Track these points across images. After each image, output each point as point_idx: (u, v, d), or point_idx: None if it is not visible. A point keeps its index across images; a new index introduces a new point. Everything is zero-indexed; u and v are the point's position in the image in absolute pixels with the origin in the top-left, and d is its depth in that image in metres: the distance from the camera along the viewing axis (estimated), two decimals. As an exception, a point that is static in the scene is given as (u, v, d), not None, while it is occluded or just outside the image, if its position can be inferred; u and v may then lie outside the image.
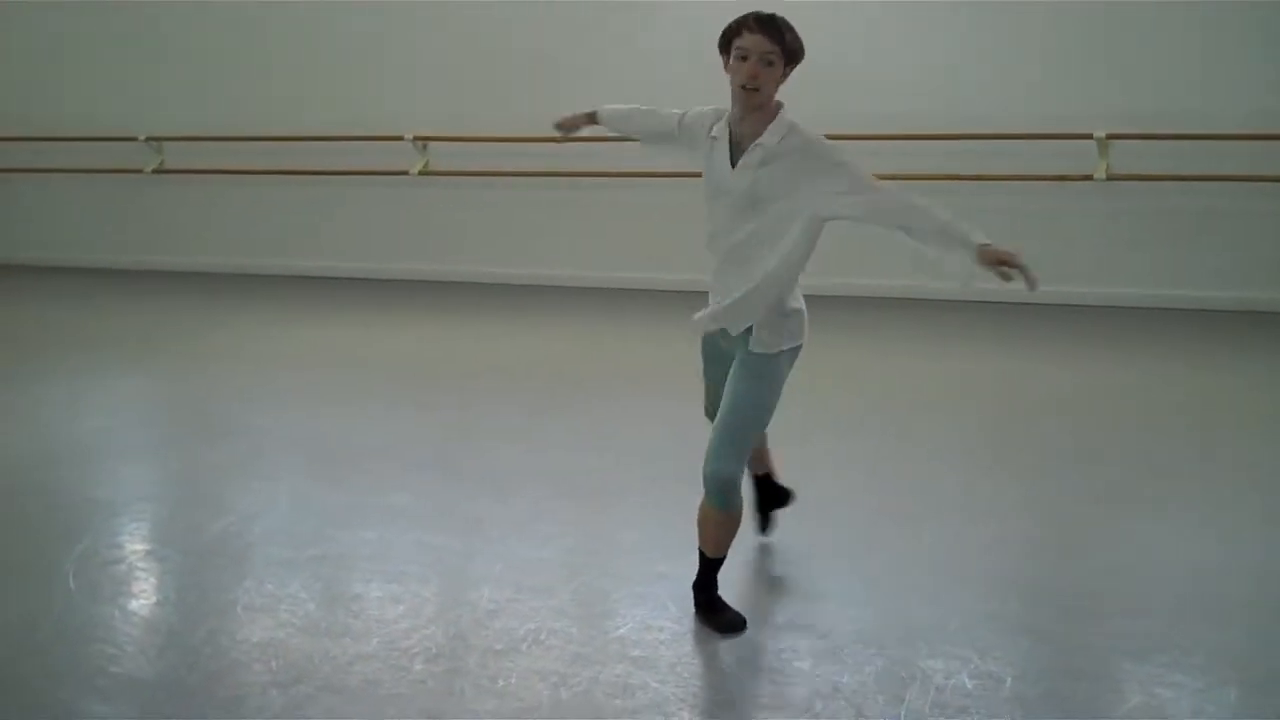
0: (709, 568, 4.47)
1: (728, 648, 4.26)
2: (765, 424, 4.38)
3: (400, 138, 11.51)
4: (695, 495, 4.37)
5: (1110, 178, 9.40)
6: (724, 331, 4.38)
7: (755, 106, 4.11)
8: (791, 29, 4.09)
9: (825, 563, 5.00)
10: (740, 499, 4.32)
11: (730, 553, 4.50)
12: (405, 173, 11.61)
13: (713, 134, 4.28)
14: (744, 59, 4.06)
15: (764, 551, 5.10)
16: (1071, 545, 5.24)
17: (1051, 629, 4.40)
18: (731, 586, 4.64)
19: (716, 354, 4.52)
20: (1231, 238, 9.49)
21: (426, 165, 11.61)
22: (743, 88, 4.08)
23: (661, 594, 4.66)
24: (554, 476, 6.11)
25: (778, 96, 4.17)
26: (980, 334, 9.14)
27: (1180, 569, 4.89)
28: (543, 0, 11.12)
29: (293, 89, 12.02)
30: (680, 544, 5.04)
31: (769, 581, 4.85)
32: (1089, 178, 9.42)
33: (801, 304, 4.35)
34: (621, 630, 4.38)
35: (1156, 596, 4.65)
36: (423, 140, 11.52)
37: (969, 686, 3.95)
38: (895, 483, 5.98)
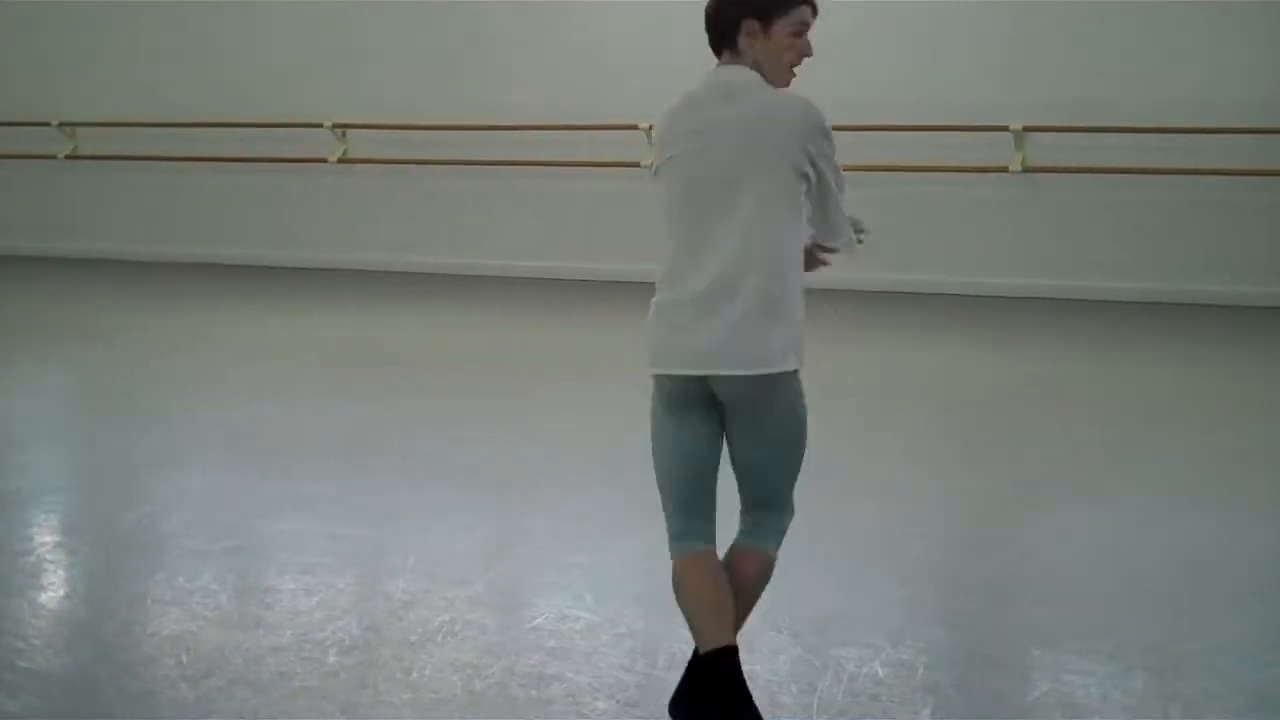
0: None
1: (643, 637, 4.27)
2: None
3: (320, 125, 11.42)
4: (614, 482, 4.35)
5: (1026, 169, 9.51)
6: None
7: (789, 81, 3.41)
8: None
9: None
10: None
11: (634, 543, 4.48)
12: (324, 160, 11.53)
13: None
14: (800, 34, 3.35)
15: (659, 540, 5.09)
16: (988, 533, 5.31)
17: (965, 616, 4.45)
18: (642, 578, 4.65)
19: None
20: (1143, 230, 9.63)
21: (345, 153, 11.53)
22: (793, 67, 3.39)
23: (578, 584, 4.67)
24: (474, 467, 6.10)
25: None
26: (899, 324, 9.22)
27: (1094, 556, 4.95)
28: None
29: (211, 74, 11.89)
30: (597, 534, 5.06)
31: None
32: (1005, 169, 9.52)
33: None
34: (537, 620, 4.38)
35: (1069, 584, 4.71)
36: (342, 128, 11.43)
37: (881, 674, 3.98)
38: (810, 471, 5.99)
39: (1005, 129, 9.43)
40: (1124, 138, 9.30)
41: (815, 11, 3.36)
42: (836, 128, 3.37)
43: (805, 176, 3.31)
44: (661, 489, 3.51)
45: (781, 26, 3.33)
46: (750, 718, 3.35)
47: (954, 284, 9.89)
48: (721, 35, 3.37)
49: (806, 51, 3.37)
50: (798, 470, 3.60)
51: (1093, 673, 3.98)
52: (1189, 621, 4.34)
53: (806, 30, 3.36)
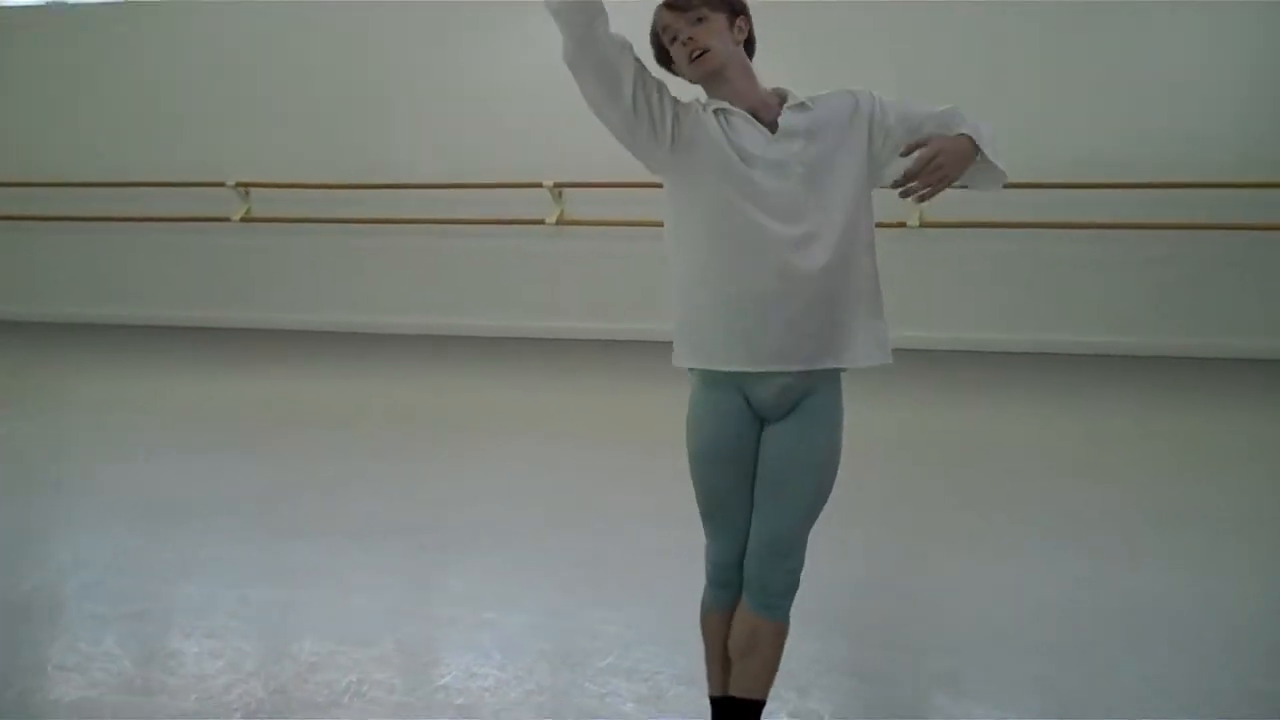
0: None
1: (551, 693, 4.26)
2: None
3: (221, 184, 11.36)
4: (522, 538, 4.35)
5: (924, 225, 9.69)
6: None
7: (712, 71, 3.29)
8: None
9: (646, 607, 5.01)
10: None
11: (542, 601, 4.50)
12: (227, 219, 11.47)
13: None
14: (674, 40, 3.29)
15: (585, 597, 5.12)
16: (894, 583, 5.36)
17: (871, 666, 4.50)
18: (550, 634, 4.67)
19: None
20: (1030, 282, 9.82)
21: (249, 212, 11.47)
22: (691, 61, 3.27)
23: (487, 641, 4.66)
24: (382, 526, 6.06)
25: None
26: None
27: (996, 603, 5.02)
28: (371, 42, 11.09)
29: (111, 133, 11.81)
30: (507, 590, 5.06)
31: (590, 626, 4.86)
32: (903, 225, 9.68)
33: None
34: (445, 679, 4.36)
35: (973, 630, 4.78)
36: (245, 187, 11.38)
37: (790, 726, 4.01)
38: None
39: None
40: (1018, 193, 9.50)
41: (680, 7, 3.27)
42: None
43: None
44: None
45: (671, 61, 3.36)
46: None
47: None
48: None
49: (688, 52, 3.27)
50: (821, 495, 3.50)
51: (992, 717, 4.03)
52: (1088, 666, 4.41)
53: (676, 37, 3.28)
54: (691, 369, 3.42)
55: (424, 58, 11.01)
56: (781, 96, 3.33)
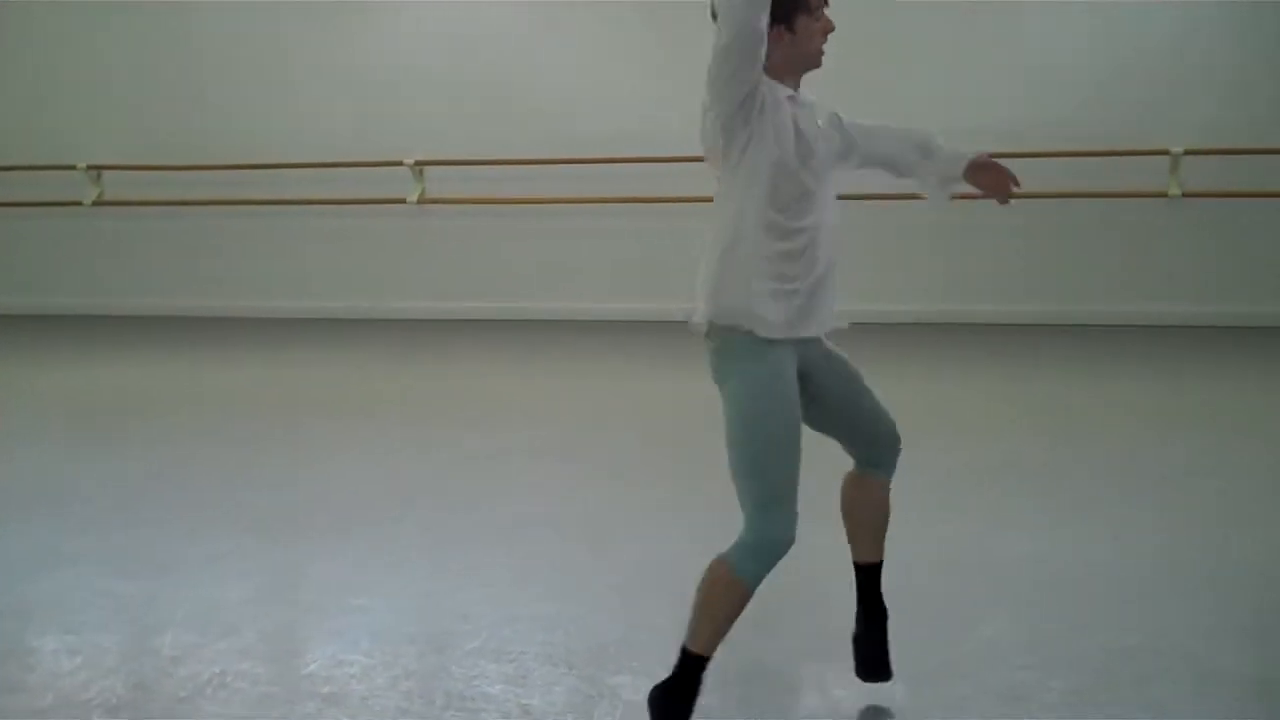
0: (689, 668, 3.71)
1: (418, 677, 4.26)
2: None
3: (72, 167, 11.11)
4: (390, 521, 4.33)
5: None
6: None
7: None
8: None
9: (513, 587, 5.03)
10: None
11: (411, 585, 4.50)
12: (79, 203, 11.21)
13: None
14: (825, 7, 3.56)
15: (454, 580, 5.12)
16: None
17: (739, 636, 4.53)
18: (418, 618, 4.66)
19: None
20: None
21: (101, 195, 11.23)
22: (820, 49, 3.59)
23: (354, 628, 4.64)
24: (247, 514, 5.99)
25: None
26: (629, 353, 9.35)
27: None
28: (228, 21, 10.90)
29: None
30: (374, 576, 5.04)
31: (459, 608, 4.86)
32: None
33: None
34: (311, 667, 4.33)
35: (837, 598, 4.84)
36: (97, 170, 11.14)
37: (656, 699, 4.04)
38: (589, 502, 6.08)
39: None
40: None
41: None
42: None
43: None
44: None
45: (801, 15, 3.52)
46: None
47: (658, 311, 10.15)
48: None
49: (829, 27, 3.57)
50: (736, 460, 3.66)
51: (858, 684, 4.11)
52: (946, 628, 4.52)
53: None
54: (735, 343, 3.53)
55: (282, 38, 10.86)
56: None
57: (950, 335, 9.81)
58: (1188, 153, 9.43)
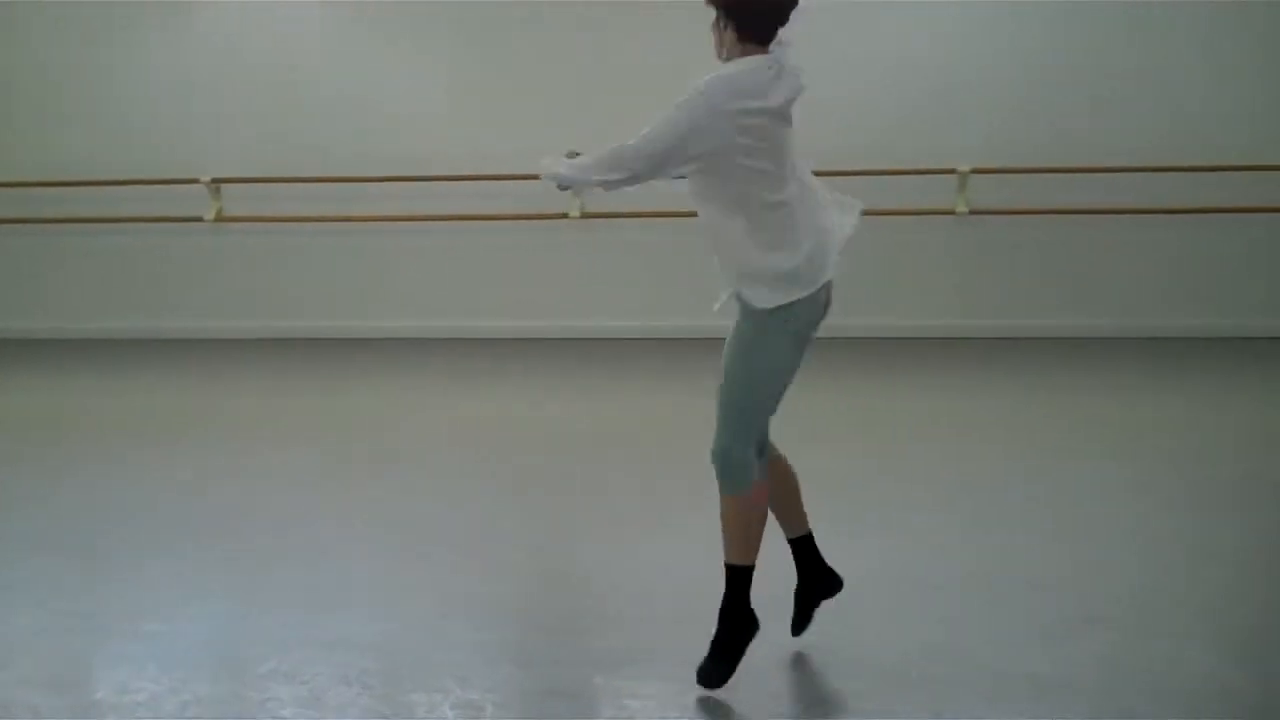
0: (735, 583, 4.21)
1: (209, 702, 4.17)
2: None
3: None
4: (189, 547, 4.23)
5: (584, 216, 9.88)
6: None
7: None
8: None
9: (315, 610, 4.95)
10: (750, 479, 4.09)
11: (205, 609, 4.40)
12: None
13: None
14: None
15: (248, 602, 5.03)
16: (565, 571, 5.44)
17: (535, 652, 4.56)
18: (209, 642, 4.58)
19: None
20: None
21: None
22: None
23: (143, 654, 4.53)
24: (36, 539, 5.81)
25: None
26: (447, 370, 9.32)
27: (663, 585, 5.13)
28: (19, 36, 10.58)
29: None
30: (172, 602, 4.94)
31: (256, 632, 4.77)
32: (565, 216, 9.84)
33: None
34: (97, 695, 4.23)
35: (636, 612, 4.87)
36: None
37: (450, 717, 4.04)
38: (392, 525, 6.02)
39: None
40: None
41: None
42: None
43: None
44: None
45: None
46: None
47: (514, 328, 10.16)
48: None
49: None
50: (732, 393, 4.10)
51: (652, 695, 4.14)
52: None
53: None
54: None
55: (76, 54, 10.53)
56: None
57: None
58: (974, 171, 9.60)
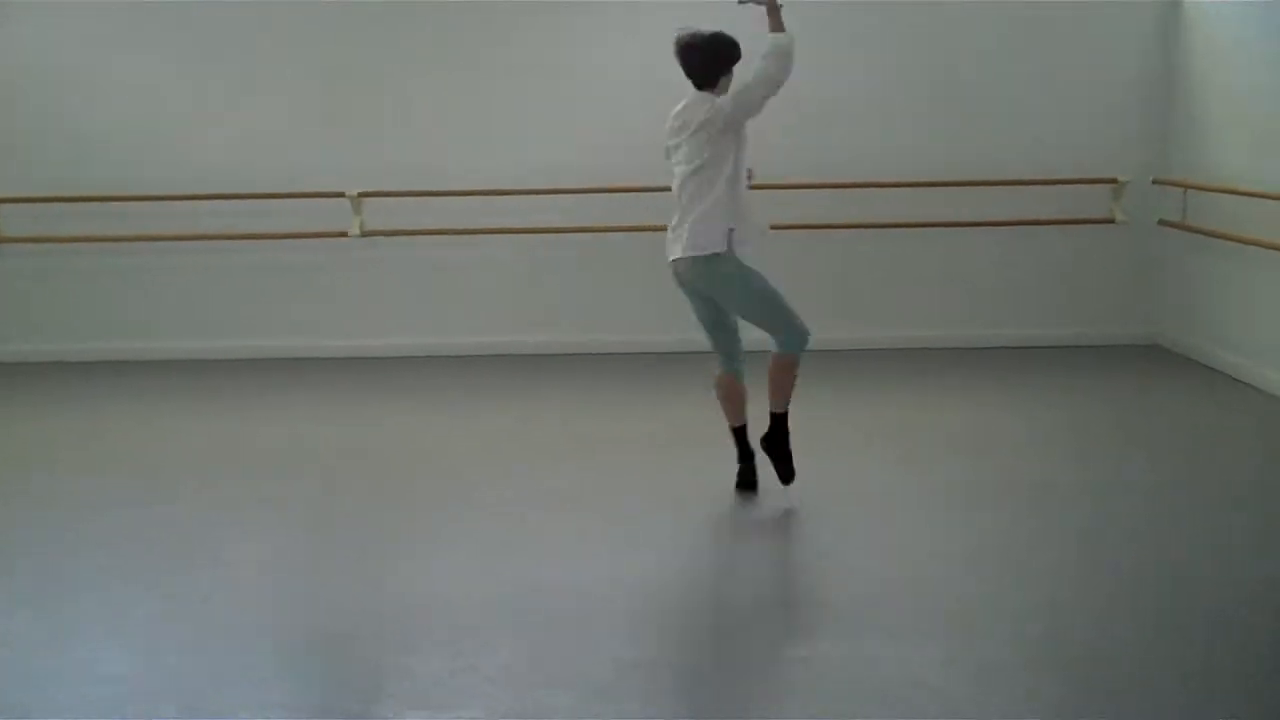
0: (779, 420, 6.26)
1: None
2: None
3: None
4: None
5: (364, 234, 9.83)
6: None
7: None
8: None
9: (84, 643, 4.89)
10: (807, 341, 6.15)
11: None
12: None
13: None
14: None
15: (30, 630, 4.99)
16: (373, 588, 5.43)
17: (324, 670, 4.60)
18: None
19: None
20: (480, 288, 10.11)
21: None
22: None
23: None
24: None
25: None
26: (331, 391, 9.22)
27: (462, 596, 5.22)
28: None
29: None
30: None
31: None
32: (344, 234, 9.81)
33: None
34: None
35: (438, 626, 4.95)
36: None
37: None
38: (170, 550, 5.94)
39: (342, 195, 9.71)
40: (458, 200, 9.75)
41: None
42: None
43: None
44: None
45: None
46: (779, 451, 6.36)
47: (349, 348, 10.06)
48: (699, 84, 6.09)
49: None
50: (773, 307, 6.09)
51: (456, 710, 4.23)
52: (463, 653, 4.67)
53: None
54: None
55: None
56: None
57: (541, 363, 9.89)
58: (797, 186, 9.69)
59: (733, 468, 6.59)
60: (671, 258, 6.09)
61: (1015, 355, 9.76)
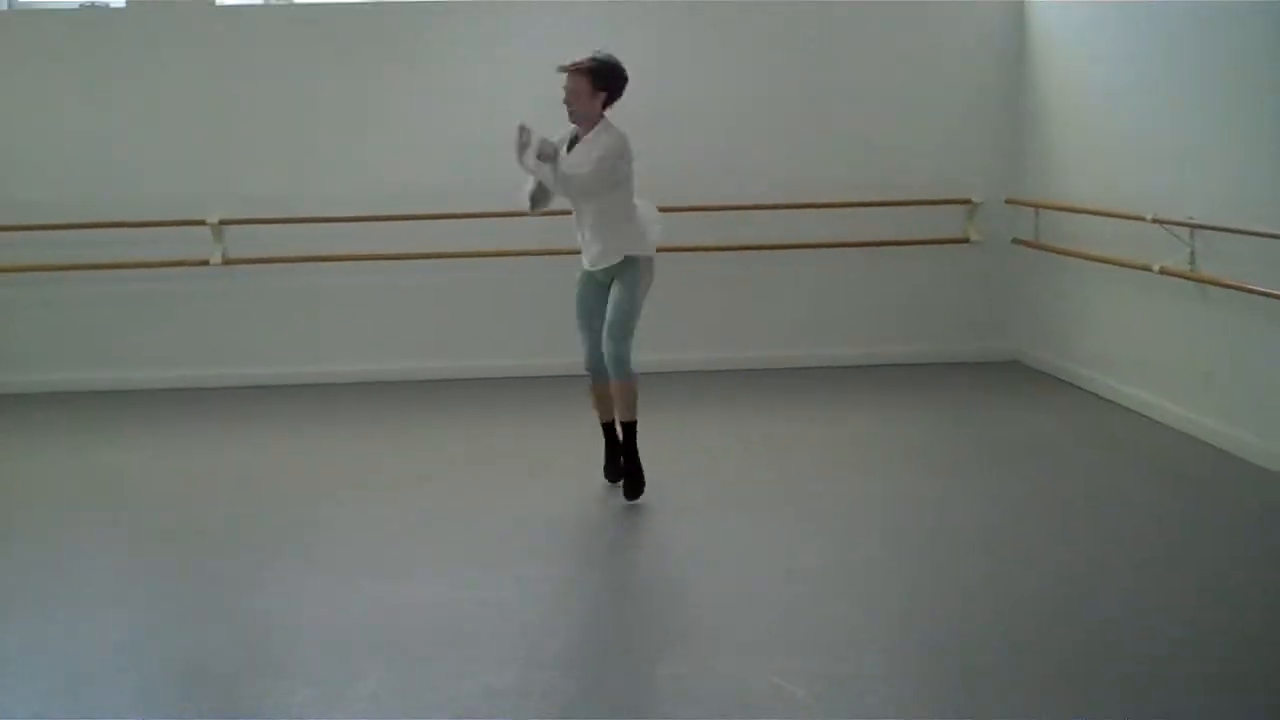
0: (632, 431, 6.75)
1: None
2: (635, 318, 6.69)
3: None
4: None
5: (226, 261, 9.74)
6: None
7: (574, 119, 6.66)
8: (595, 65, 6.53)
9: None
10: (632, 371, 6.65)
11: None
12: None
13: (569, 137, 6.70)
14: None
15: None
16: (240, 616, 5.37)
17: (193, 702, 4.57)
18: None
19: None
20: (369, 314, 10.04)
21: None
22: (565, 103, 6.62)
23: None
24: None
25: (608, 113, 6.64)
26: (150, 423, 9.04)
27: (344, 620, 5.21)
28: None
29: None
30: None
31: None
32: (205, 262, 9.69)
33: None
34: None
35: (307, 654, 4.96)
36: None
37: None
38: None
39: (202, 223, 9.63)
40: (319, 227, 9.74)
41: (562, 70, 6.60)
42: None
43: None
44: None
45: None
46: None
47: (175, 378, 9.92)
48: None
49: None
50: (626, 317, 6.63)
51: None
52: (329, 680, 4.67)
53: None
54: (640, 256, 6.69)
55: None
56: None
57: (408, 388, 9.86)
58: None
59: (600, 488, 6.71)
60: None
61: (878, 372, 9.96)
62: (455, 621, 5.22)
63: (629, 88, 6.68)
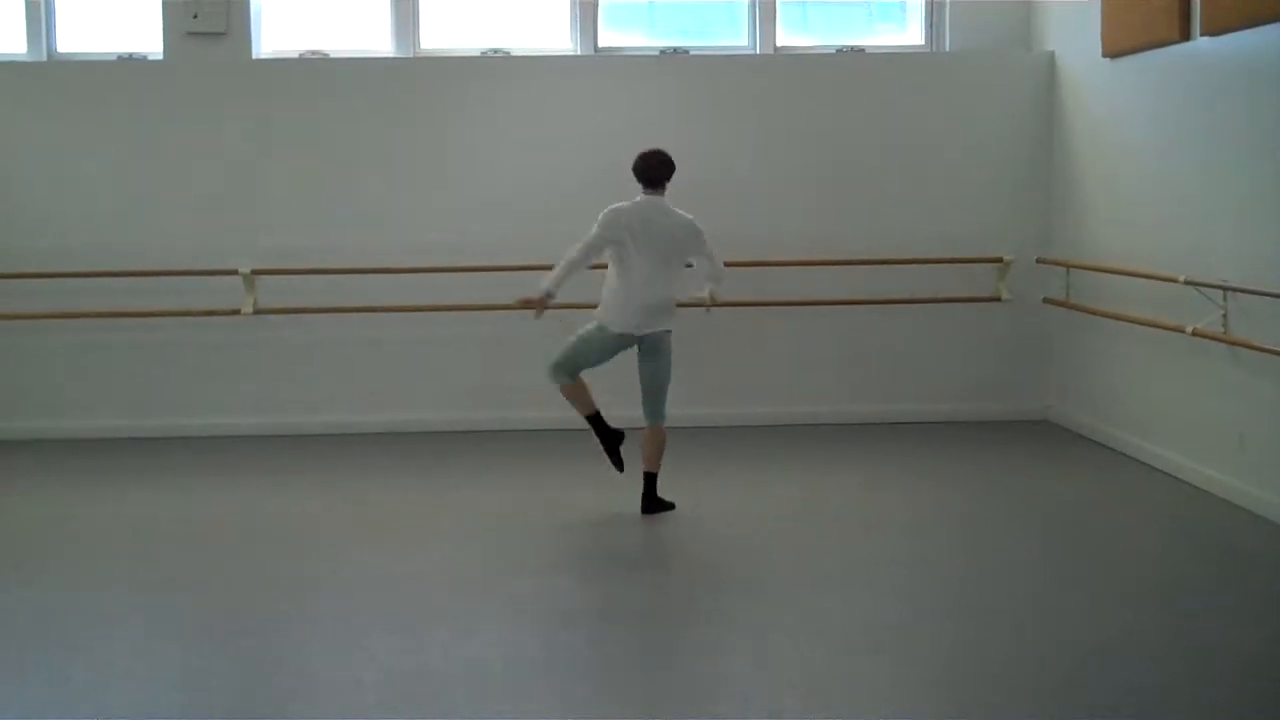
0: (596, 420, 7.53)
1: None
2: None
3: None
4: None
5: (257, 311, 9.75)
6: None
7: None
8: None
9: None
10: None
11: None
12: None
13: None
14: None
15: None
16: (244, 670, 5.36)
17: None
18: None
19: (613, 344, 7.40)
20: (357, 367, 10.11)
21: None
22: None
23: None
24: None
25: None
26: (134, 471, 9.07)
27: (345, 676, 5.16)
28: None
29: None
30: None
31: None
32: (237, 312, 9.70)
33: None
34: None
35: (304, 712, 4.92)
36: None
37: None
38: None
39: (235, 273, 9.65)
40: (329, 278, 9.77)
41: None
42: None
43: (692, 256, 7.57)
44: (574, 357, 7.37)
45: None
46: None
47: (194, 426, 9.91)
48: (656, 181, 7.36)
49: None
50: (665, 382, 7.40)
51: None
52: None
53: None
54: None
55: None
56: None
57: (432, 440, 9.83)
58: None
59: (594, 535, 6.87)
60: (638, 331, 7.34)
61: (909, 430, 9.90)
62: (482, 677, 5.19)
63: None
